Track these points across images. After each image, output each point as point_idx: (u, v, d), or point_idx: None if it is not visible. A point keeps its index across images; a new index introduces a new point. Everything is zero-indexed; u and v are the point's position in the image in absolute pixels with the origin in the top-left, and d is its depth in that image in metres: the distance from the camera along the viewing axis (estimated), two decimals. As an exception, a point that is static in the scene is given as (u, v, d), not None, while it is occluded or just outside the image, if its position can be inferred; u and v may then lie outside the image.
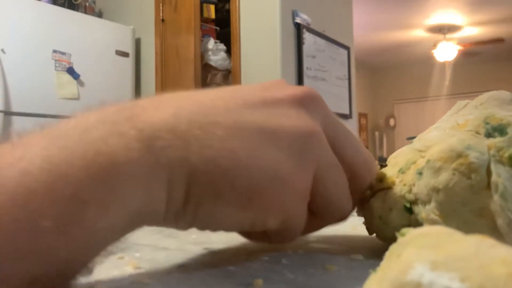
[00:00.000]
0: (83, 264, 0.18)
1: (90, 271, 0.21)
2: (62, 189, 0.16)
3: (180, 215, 0.20)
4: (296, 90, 0.24)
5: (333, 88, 2.74)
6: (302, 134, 0.22)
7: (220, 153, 0.19)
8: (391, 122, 6.65)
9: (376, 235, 0.28)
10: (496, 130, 0.23)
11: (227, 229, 0.23)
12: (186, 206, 0.20)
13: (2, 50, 2.04)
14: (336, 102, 2.78)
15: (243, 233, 0.26)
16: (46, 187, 0.16)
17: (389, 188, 0.26)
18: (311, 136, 0.22)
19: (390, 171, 0.27)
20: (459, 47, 4.94)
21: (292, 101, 0.23)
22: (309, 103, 0.23)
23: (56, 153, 0.17)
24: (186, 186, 0.19)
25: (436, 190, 0.22)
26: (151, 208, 0.19)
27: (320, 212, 0.25)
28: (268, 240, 0.25)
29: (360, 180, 0.26)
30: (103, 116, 0.19)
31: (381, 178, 0.27)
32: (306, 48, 2.49)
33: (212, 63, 2.67)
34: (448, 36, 4.83)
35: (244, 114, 0.21)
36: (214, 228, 0.22)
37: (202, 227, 0.21)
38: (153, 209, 0.19)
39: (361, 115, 6.22)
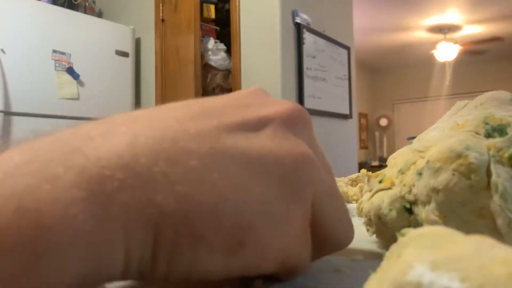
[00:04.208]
0: None
1: None
2: None
3: (147, 271, 0.16)
4: (283, 107, 0.20)
5: (333, 88, 2.74)
6: (293, 160, 0.19)
7: (197, 187, 0.16)
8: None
9: (376, 236, 0.28)
10: (495, 130, 0.23)
11: (212, 277, 0.18)
12: (155, 260, 0.16)
13: (2, 50, 2.04)
14: (336, 102, 2.78)
15: None
16: None
17: (388, 188, 0.26)
18: (304, 161, 0.19)
19: (389, 171, 0.27)
20: (459, 47, 4.94)
21: (280, 121, 0.19)
22: (297, 123, 0.20)
23: None
24: (154, 236, 0.15)
25: (435, 190, 0.22)
26: (100, 274, 0.15)
27: (319, 243, 0.21)
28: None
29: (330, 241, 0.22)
30: (31, 152, 0.14)
31: (381, 179, 0.27)
32: (306, 48, 2.49)
33: (212, 63, 2.67)
34: (448, 36, 4.84)
35: (221, 138, 0.17)
36: (196, 277, 0.18)
37: (179, 278, 0.17)
38: (104, 275, 0.15)
39: (361, 115, 6.22)
